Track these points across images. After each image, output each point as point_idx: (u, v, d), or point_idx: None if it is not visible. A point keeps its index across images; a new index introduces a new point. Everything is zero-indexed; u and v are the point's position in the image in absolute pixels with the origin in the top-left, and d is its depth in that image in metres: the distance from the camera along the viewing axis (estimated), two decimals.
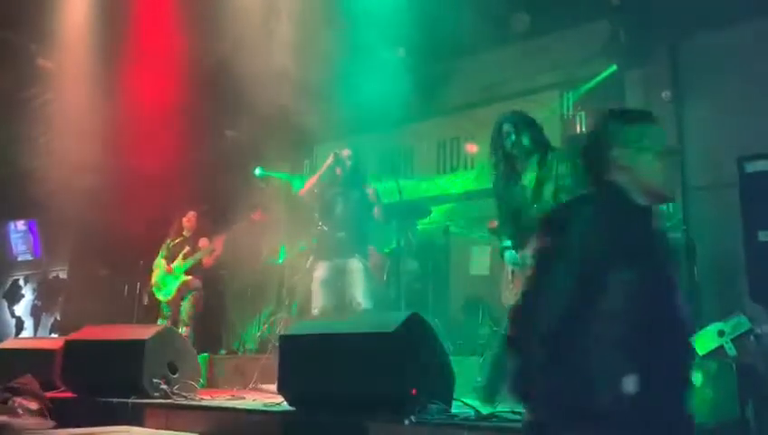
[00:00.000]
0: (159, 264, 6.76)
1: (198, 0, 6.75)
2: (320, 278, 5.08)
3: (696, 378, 3.68)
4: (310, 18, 6.30)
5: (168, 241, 6.87)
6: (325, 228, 5.21)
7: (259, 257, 7.38)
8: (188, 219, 6.90)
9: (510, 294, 3.97)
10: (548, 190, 3.83)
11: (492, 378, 3.98)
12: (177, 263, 6.65)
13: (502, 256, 4.04)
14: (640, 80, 6.25)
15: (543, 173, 3.88)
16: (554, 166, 3.87)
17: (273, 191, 7.95)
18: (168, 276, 6.63)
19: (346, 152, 5.34)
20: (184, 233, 6.87)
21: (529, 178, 3.93)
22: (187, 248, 6.71)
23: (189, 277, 6.62)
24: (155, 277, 6.71)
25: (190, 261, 6.63)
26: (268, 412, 3.51)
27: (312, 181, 5.33)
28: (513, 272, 3.97)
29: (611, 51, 5.94)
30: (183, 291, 6.57)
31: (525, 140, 3.92)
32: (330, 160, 5.27)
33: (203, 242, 6.74)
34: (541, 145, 3.97)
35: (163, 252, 6.81)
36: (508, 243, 4.01)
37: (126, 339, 4.29)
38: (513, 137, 3.92)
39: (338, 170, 5.25)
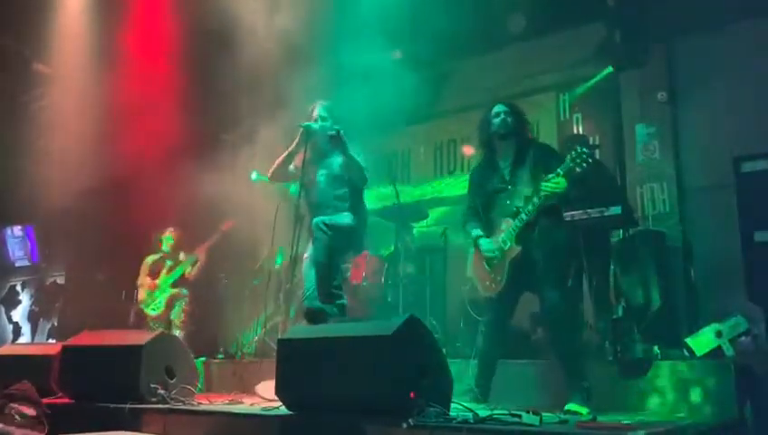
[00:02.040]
0: (144, 282, 6.85)
1: (195, 4, 6.77)
2: (306, 261, 4.59)
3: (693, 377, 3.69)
4: (306, 18, 6.29)
5: (149, 258, 6.96)
6: (308, 209, 4.58)
7: (254, 262, 7.36)
8: (169, 235, 6.97)
9: (491, 284, 4.01)
10: (524, 176, 3.97)
11: (480, 374, 4.01)
12: (163, 277, 6.76)
13: (476, 246, 4.12)
14: (636, 81, 6.26)
15: (519, 160, 4.05)
16: (530, 154, 4.03)
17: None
18: (154, 292, 6.73)
19: (315, 113, 4.59)
20: (163, 248, 6.95)
21: (505, 165, 4.10)
22: (169, 263, 6.84)
23: (176, 290, 6.75)
24: (141, 295, 6.80)
25: (175, 274, 6.75)
26: (266, 416, 3.50)
27: (279, 161, 4.61)
28: (489, 260, 4.01)
29: (607, 52, 5.95)
30: (171, 303, 6.71)
31: (510, 121, 4.09)
32: (298, 138, 4.51)
33: (182, 255, 6.88)
34: (522, 131, 4.15)
35: (146, 269, 6.90)
36: (478, 232, 4.13)
37: (123, 344, 4.27)
38: (502, 116, 4.09)
39: (314, 115, 4.54)
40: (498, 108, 4.14)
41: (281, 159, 4.59)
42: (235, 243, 7.13)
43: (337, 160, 4.56)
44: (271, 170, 4.67)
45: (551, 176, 3.80)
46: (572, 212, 4.63)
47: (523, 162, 4.03)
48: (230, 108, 6.96)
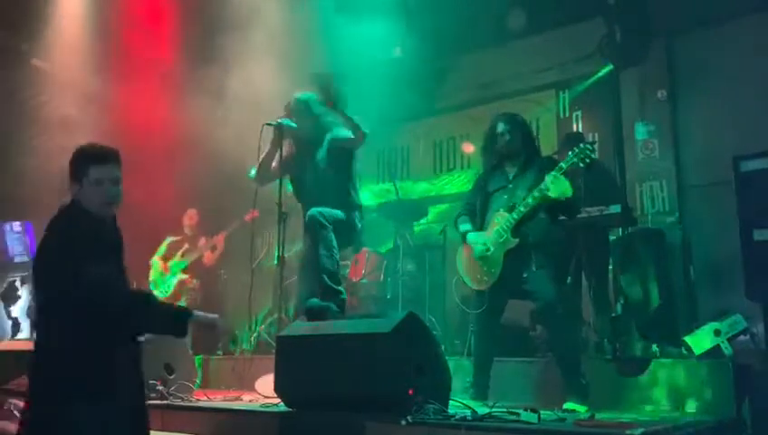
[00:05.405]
0: (155, 262, 6.81)
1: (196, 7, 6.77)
2: (300, 259, 4.55)
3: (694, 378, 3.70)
4: (306, 16, 6.27)
5: (168, 239, 6.92)
6: (301, 207, 4.46)
7: (256, 258, 7.35)
8: (190, 217, 6.97)
9: (483, 277, 3.97)
10: (526, 180, 3.98)
11: (477, 372, 4.01)
12: (175, 260, 6.71)
13: (464, 239, 4.09)
14: (636, 79, 6.26)
15: (525, 167, 4.06)
16: (537, 164, 4.04)
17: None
18: (166, 275, 6.71)
19: (291, 108, 4.37)
20: (185, 231, 6.94)
21: (510, 169, 4.11)
22: (186, 246, 6.79)
23: (186, 276, 6.71)
24: (151, 275, 6.77)
25: (189, 258, 6.70)
26: (265, 413, 3.51)
27: (259, 165, 4.44)
28: (480, 253, 3.97)
29: (607, 50, 5.93)
30: (180, 290, 6.65)
31: (515, 140, 4.07)
32: (272, 137, 4.31)
33: (202, 241, 6.83)
34: (528, 146, 4.14)
35: (162, 249, 6.86)
36: (467, 226, 4.12)
37: None
38: (507, 137, 4.05)
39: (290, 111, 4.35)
40: (501, 127, 4.08)
41: (259, 162, 4.43)
42: (234, 236, 7.11)
43: (322, 154, 4.39)
44: (254, 174, 4.51)
45: (548, 177, 3.79)
46: None
47: (530, 168, 4.04)
48: (228, 103, 6.91)
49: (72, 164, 2.65)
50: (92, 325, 2.41)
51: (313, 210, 4.19)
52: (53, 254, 2.50)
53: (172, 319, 2.58)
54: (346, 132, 4.32)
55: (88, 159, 2.63)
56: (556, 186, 3.75)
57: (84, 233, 2.51)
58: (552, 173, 3.78)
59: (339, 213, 4.27)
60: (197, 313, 2.56)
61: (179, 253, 6.78)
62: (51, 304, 2.50)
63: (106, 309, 2.43)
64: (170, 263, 6.75)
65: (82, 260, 2.42)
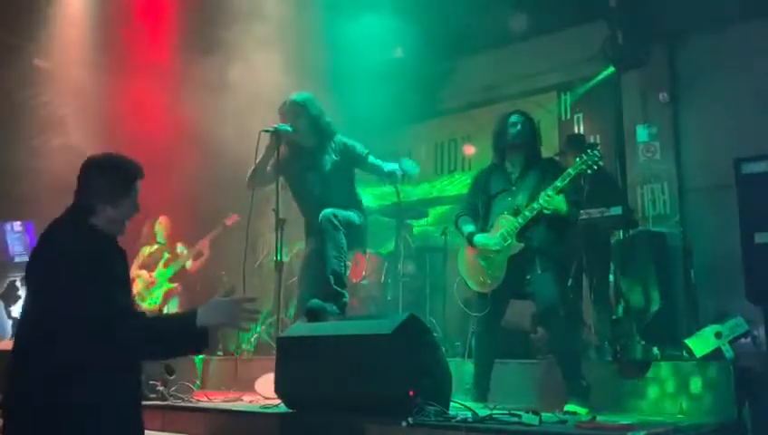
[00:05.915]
0: (140, 274, 6.76)
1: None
2: (301, 265, 4.58)
3: (695, 381, 3.70)
4: (306, 17, 6.28)
5: (144, 248, 6.86)
6: (302, 209, 4.50)
7: (256, 259, 7.34)
8: (161, 224, 6.87)
9: (486, 280, 3.98)
10: (530, 182, 3.98)
11: (478, 374, 4.01)
12: (159, 271, 6.68)
13: (470, 243, 4.04)
14: (637, 82, 6.27)
15: (528, 168, 4.06)
16: (540, 165, 4.06)
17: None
18: (152, 288, 6.69)
19: (286, 111, 4.37)
20: (158, 239, 6.86)
21: (513, 170, 4.11)
22: (167, 256, 6.74)
23: (173, 285, 6.70)
24: (137, 287, 6.71)
25: (173, 267, 6.67)
26: (265, 414, 3.50)
27: (252, 169, 4.34)
28: (489, 255, 3.96)
29: (609, 52, 5.94)
30: (167, 299, 6.65)
31: (527, 134, 4.08)
32: (268, 143, 4.25)
33: (180, 248, 6.80)
34: (534, 142, 4.14)
35: (139, 260, 6.81)
36: (471, 228, 4.09)
37: None
38: (519, 127, 4.06)
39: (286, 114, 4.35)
40: (514, 118, 4.10)
41: (255, 167, 4.32)
42: (236, 238, 7.10)
43: (329, 159, 4.39)
44: (247, 178, 4.39)
45: (542, 196, 3.80)
46: None
47: (532, 170, 4.04)
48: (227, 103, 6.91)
49: (117, 177, 2.54)
50: (93, 344, 2.30)
51: (327, 211, 4.18)
52: (57, 267, 2.36)
53: (189, 338, 2.45)
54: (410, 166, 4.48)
55: (136, 173, 2.59)
56: (550, 203, 3.79)
57: (102, 252, 2.42)
58: (548, 191, 3.80)
59: (350, 215, 4.29)
60: (201, 311, 2.44)
61: (162, 262, 6.72)
62: (47, 317, 2.34)
63: (111, 334, 2.31)
64: (155, 274, 6.71)
65: (93, 282, 2.32)
